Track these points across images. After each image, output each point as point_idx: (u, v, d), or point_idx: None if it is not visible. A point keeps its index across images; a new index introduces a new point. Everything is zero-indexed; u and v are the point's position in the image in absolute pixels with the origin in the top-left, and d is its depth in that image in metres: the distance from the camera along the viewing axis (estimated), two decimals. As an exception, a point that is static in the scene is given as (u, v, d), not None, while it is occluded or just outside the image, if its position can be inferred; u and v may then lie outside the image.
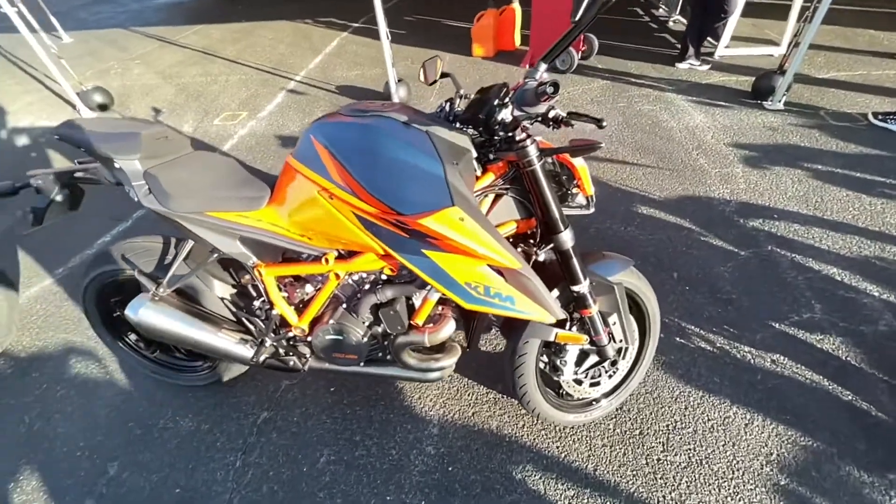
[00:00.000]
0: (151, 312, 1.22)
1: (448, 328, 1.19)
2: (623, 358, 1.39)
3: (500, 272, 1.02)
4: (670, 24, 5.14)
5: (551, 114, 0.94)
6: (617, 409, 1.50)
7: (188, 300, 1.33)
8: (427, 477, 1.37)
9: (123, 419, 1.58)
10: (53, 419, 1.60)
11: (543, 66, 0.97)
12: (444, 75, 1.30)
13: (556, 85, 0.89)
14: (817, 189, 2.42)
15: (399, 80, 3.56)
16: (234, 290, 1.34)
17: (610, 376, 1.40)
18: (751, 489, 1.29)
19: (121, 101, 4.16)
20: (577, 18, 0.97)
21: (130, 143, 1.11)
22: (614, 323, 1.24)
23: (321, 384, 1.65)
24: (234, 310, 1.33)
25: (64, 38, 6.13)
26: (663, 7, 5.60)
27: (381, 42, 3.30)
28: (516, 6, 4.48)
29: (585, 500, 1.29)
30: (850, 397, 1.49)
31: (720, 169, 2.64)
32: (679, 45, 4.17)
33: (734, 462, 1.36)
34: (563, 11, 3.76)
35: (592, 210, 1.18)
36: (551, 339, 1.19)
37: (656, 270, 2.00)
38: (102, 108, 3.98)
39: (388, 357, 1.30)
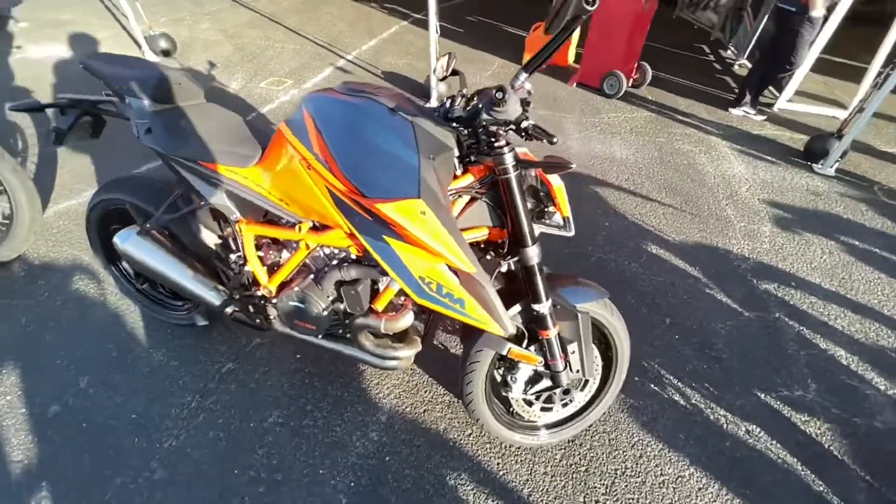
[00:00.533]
0: (136, 244, 1.29)
1: (406, 319, 1.20)
2: (581, 390, 1.35)
3: (456, 273, 1.01)
4: (735, 67, 4.93)
5: (523, 124, 0.92)
6: (568, 442, 1.46)
7: (174, 241, 1.39)
8: (363, 461, 1.38)
9: (105, 340, 1.68)
10: (46, 326, 1.72)
11: (524, 76, 0.96)
12: (454, 73, 1.28)
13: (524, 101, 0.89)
14: (847, 265, 2.26)
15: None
16: (218, 241, 1.40)
17: (564, 405, 1.36)
18: (685, 554, 1.23)
19: (183, 50, 4.39)
20: (555, 31, 0.95)
21: (143, 83, 1.17)
22: (573, 352, 1.20)
23: (289, 349, 1.69)
24: (213, 259, 1.39)
25: (150, -16, 6.52)
26: (732, 49, 5.38)
27: (430, 35, 3.33)
28: (578, 23, 4.42)
29: (510, 523, 1.26)
30: (822, 488, 1.39)
31: (747, 224, 2.51)
32: (738, 91, 4.00)
33: (675, 523, 1.30)
34: (619, 34, 3.67)
35: (571, 233, 1.15)
36: (503, 352, 1.17)
37: (650, 312, 1.93)
38: (165, 53, 4.20)
39: (347, 336, 1.32)
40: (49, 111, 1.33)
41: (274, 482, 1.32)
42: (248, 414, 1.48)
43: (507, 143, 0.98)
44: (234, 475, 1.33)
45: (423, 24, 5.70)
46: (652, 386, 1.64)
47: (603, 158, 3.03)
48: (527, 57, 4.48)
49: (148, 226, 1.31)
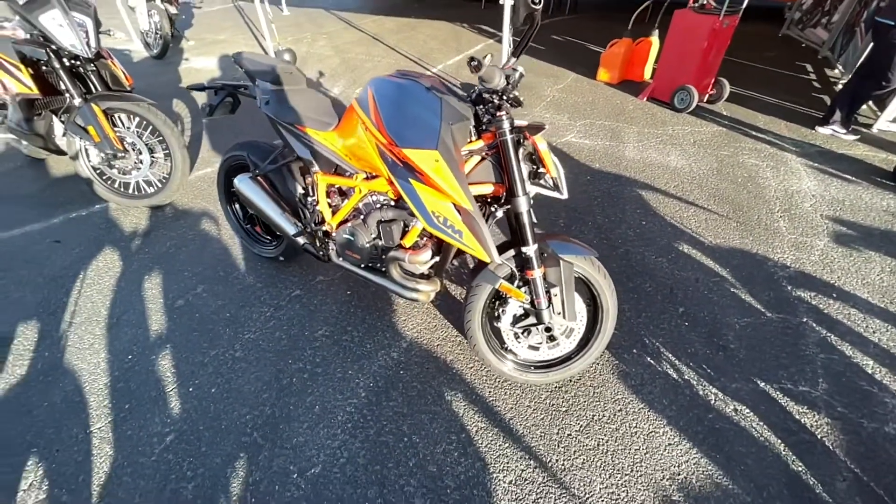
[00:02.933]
0: (246, 185, 1.82)
1: (425, 255, 1.54)
2: (567, 337, 1.56)
3: (460, 212, 1.33)
4: (839, 86, 4.54)
5: (505, 94, 1.21)
6: (555, 386, 1.67)
7: (273, 187, 1.90)
8: (383, 370, 1.73)
9: (216, 263, 2.26)
10: (181, 249, 2.36)
11: (513, 59, 1.26)
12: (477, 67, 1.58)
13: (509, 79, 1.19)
14: (911, 286, 2.11)
15: (511, 86, 3.91)
16: (301, 188, 1.88)
17: (551, 347, 1.58)
18: (639, 490, 1.37)
19: (301, 62, 5.30)
20: (517, 25, 1.23)
21: (267, 71, 1.69)
22: (556, 294, 1.44)
23: (342, 286, 2.12)
24: (297, 201, 1.87)
25: (284, 10, 7.87)
26: (839, 68, 4.94)
27: (503, 48, 3.68)
28: (654, 39, 4.48)
29: (489, 437, 1.51)
30: (800, 469, 1.42)
31: (799, 236, 2.44)
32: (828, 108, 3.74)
33: (638, 464, 1.44)
34: (694, 49, 3.70)
35: (564, 195, 1.39)
36: (496, 286, 1.45)
37: (664, 300, 2.03)
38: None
39: (383, 270, 1.70)
40: (204, 93, 1.93)
41: (314, 373, 1.73)
42: (304, 325, 1.93)
43: (507, 114, 1.28)
44: (288, 363, 1.77)
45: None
46: (648, 358, 1.77)
47: (656, 166, 3.11)
48: (601, 72, 4.63)
49: (257, 172, 1.83)
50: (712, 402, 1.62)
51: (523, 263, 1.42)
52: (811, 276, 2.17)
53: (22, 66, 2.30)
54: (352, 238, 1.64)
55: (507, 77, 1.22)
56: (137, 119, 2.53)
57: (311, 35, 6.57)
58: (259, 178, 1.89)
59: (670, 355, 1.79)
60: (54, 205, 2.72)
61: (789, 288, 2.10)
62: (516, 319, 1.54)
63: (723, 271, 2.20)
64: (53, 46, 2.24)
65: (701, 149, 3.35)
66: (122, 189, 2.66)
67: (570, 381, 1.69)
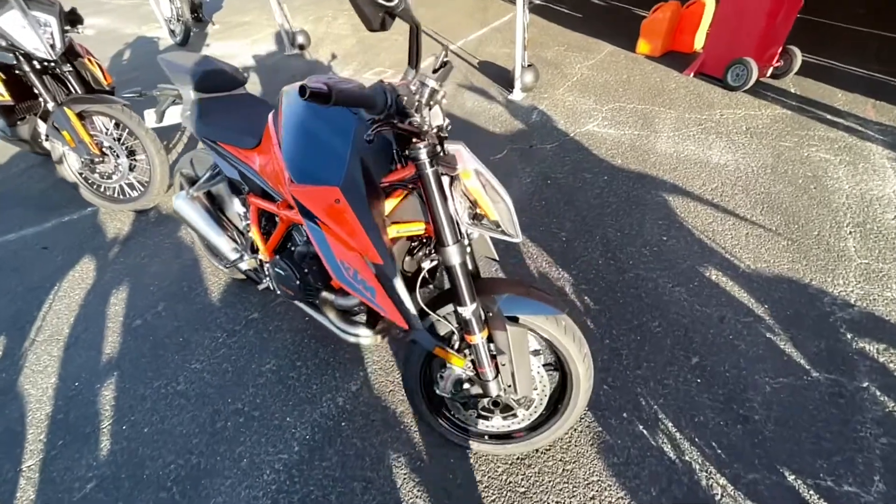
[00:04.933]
0: (182, 204, 1.64)
1: (351, 299, 1.28)
2: (526, 408, 1.27)
3: (373, 265, 1.05)
4: (958, 50, 3.59)
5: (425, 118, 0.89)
6: (517, 456, 1.38)
7: (217, 205, 1.71)
8: (324, 420, 1.53)
9: (183, 277, 2.15)
10: (154, 260, 2.27)
11: (412, 73, 0.93)
12: (443, 65, 1.26)
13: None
14: None
15: (529, 65, 3.45)
16: (241, 211, 1.67)
17: (505, 417, 1.29)
18: None
19: (316, 44, 5.06)
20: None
21: (190, 76, 1.46)
22: (503, 364, 1.14)
23: (301, 312, 1.92)
24: (236, 223, 1.67)
25: (309, -14, 7.60)
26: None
27: (517, 26, 3.21)
28: (709, 0, 3.74)
29: (427, 516, 1.28)
30: None
31: (871, 262, 1.90)
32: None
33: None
34: (755, 13, 3.01)
35: (516, 239, 1.07)
36: (430, 349, 1.17)
37: (674, 345, 1.65)
38: (301, 47, 4.92)
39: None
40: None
41: (251, 417, 1.56)
42: (253, 357, 1.76)
43: (427, 142, 0.96)
44: (227, 403, 1.61)
45: (541, 11, 5.50)
46: (640, 427, 1.43)
47: (692, 162, 2.59)
48: (641, 43, 3.99)
49: (191, 191, 1.65)
50: (718, 497, 1.26)
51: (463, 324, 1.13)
52: (883, 320, 1.67)
53: (-7, 72, 2.25)
54: (282, 273, 1.42)
55: (420, 94, 0.89)
56: (114, 121, 2.43)
57: (333, 13, 6.27)
58: (201, 196, 1.70)
59: (670, 424, 1.43)
60: (50, 207, 2.74)
61: (849, 336, 1.63)
62: (459, 387, 1.26)
63: (759, 308, 1.75)
64: (21, 50, 2.15)
65: (754, 139, 2.75)
66: (105, 193, 2.61)
67: (538, 450, 1.40)
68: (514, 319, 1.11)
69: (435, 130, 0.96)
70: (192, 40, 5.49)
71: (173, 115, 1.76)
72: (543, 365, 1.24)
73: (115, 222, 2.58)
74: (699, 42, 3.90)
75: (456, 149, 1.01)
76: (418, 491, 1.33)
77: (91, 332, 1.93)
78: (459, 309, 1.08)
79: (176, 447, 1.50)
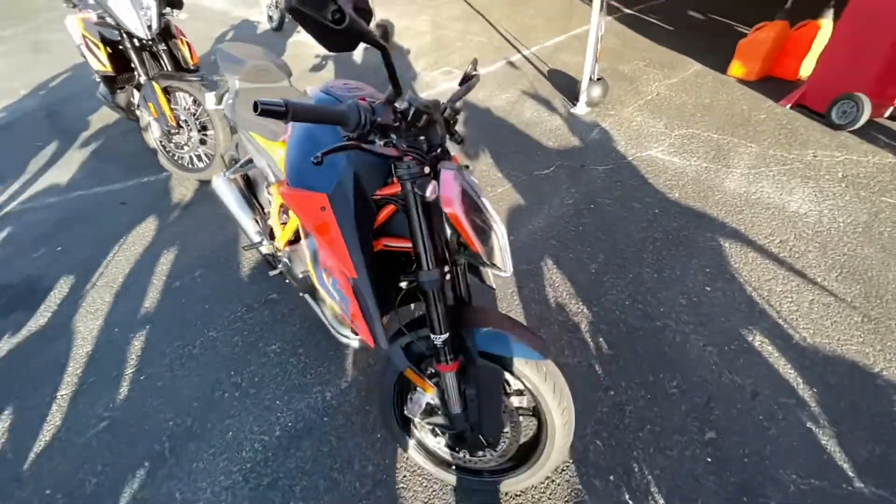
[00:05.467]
0: (219, 184, 1.75)
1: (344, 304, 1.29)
2: (494, 448, 1.19)
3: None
4: None
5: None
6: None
7: (249, 188, 1.81)
8: (308, 411, 1.57)
9: (223, 248, 2.32)
10: (203, 228, 2.48)
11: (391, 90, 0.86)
12: (468, 77, 1.19)
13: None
14: None
15: (599, 79, 3.25)
16: (268, 198, 1.75)
17: (471, 454, 1.23)
18: None
19: (396, 37, 5.19)
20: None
21: (237, 67, 1.55)
22: (472, 400, 1.08)
23: (315, 300, 1.99)
24: (264, 208, 1.75)
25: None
26: None
27: (589, 37, 3.03)
28: (825, 22, 3.25)
29: (379, 533, 1.26)
30: None
31: (975, 362, 1.54)
32: None
33: None
34: (879, 42, 2.57)
35: (505, 272, 1.01)
36: (401, 368, 1.14)
37: (688, 413, 1.46)
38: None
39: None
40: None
41: (246, 393, 1.65)
42: (262, 335, 1.85)
43: (414, 158, 0.93)
44: (230, 374, 1.72)
45: (629, 21, 5.17)
46: (625, 496, 1.29)
47: (764, 206, 2.28)
48: (735, 65, 3.58)
49: (228, 173, 1.76)
50: None
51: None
52: (971, 437, 1.35)
53: (101, 46, 2.57)
54: (289, 263, 1.47)
55: (406, 107, 0.85)
56: (192, 98, 2.68)
57: (419, 7, 6.40)
58: (238, 178, 1.81)
59: (662, 502, 1.27)
60: (136, 168, 3.10)
61: (917, 448, 1.34)
62: (428, 412, 1.22)
63: (806, 391, 1.50)
64: (124, 28, 2.44)
65: (850, 189, 2.36)
66: (178, 161, 2.89)
67: (507, 493, 1.32)
68: (492, 356, 1.05)
69: (427, 150, 0.92)
70: (285, 27, 5.89)
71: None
72: (518, 408, 1.16)
73: (181, 188, 2.85)
74: (805, 69, 3.41)
75: (446, 173, 0.96)
76: (378, 500, 1.32)
77: (138, 285, 2.16)
78: (432, 336, 1.04)
79: (177, 406, 1.62)
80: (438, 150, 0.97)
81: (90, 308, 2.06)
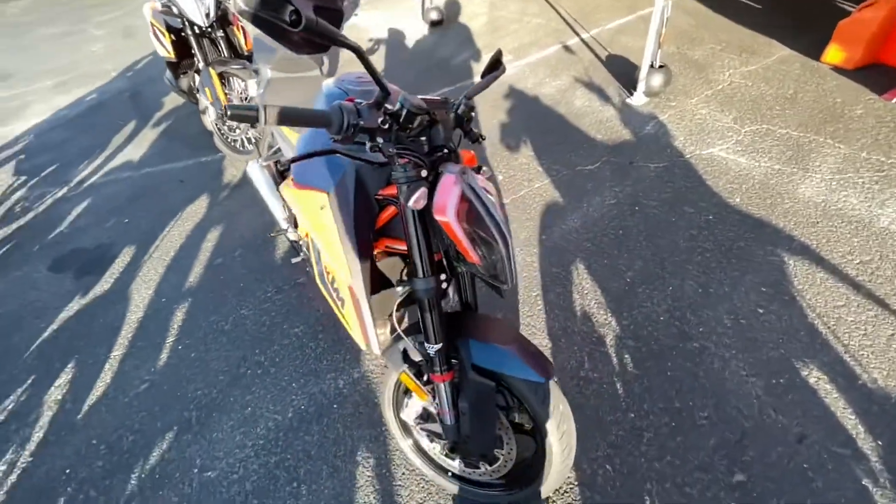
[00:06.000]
0: (253, 169, 1.81)
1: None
2: (490, 464, 1.15)
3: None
4: None
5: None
6: (479, 507, 1.28)
7: (282, 176, 1.86)
8: (321, 396, 1.62)
9: (263, 230, 2.43)
10: (247, 209, 2.61)
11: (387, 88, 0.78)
12: (493, 67, 1.09)
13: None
14: None
15: (661, 66, 2.95)
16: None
17: (467, 465, 1.19)
18: None
19: (448, 20, 5.08)
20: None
21: (270, 55, 1.58)
22: (464, 413, 1.04)
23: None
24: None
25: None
26: None
27: (652, 19, 2.75)
28: (958, -1, 2.69)
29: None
30: None
31: None
32: None
33: None
34: None
35: (504, 285, 0.94)
36: (397, 371, 1.12)
37: (717, 452, 1.32)
38: (434, 24, 4.99)
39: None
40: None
41: (268, 372, 1.73)
42: (288, 317, 1.93)
43: (410, 161, 0.88)
44: (255, 353, 1.81)
45: (709, 1, 4.64)
46: (630, 532, 1.20)
47: (845, 219, 1.97)
48: (831, 50, 3.09)
49: (261, 160, 1.81)
50: None
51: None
52: None
53: (165, 33, 2.74)
54: (306, 253, 1.50)
55: (397, 108, 0.80)
56: (244, 83, 2.80)
57: (477, -12, 6.20)
58: (271, 165, 1.87)
59: (671, 543, 1.17)
60: (197, 148, 3.32)
61: None
62: (422, 417, 1.19)
63: (866, 442, 1.29)
64: (186, 16, 2.58)
65: (964, 205, 1.96)
66: (231, 143, 3.06)
67: (503, 507, 1.28)
68: (487, 371, 1.00)
69: (430, 151, 0.88)
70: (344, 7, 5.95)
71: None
72: (515, 424, 1.10)
73: (232, 169, 3.02)
74: (925, 55, 2.86)
75: (447, 177, 0.90)
76: (374, 496, 1.33)
77: (186, 259, 2.33)
78: (426, 344, 1.00)
79: (206, 378, 1.74)
80: (445, 151, 0.91)
81: (145, 278, 2.26)
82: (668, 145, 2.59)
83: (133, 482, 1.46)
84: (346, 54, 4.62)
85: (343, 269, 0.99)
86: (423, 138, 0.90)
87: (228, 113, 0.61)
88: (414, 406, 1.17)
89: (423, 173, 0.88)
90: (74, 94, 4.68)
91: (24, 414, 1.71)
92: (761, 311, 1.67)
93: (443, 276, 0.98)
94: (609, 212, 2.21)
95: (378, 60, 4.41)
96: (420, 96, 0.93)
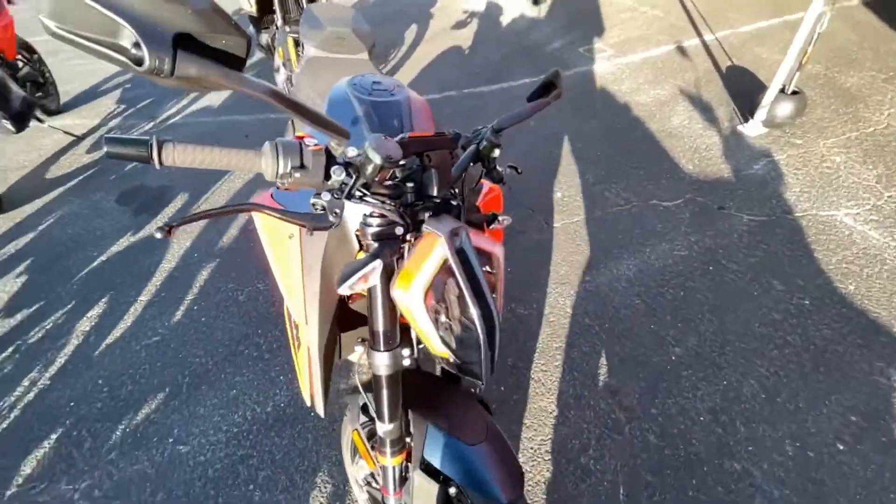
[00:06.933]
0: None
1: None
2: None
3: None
4: None
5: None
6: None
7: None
8: (302, 400, 1.56)
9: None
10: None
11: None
12: (545, 88, 0.86)
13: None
14: None
15: (794, 92, 2.39)
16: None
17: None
18: None
19: (554, 4, 4.60)
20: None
21: (316, 31, 1.43)
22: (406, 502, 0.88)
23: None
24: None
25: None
26: None
27: (804, 18, 2.19)
28: None
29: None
30: None
31: None
32: None
33: None
34: None
35: (480, 384, 0.75)
36: (351, 428, 0.99)
37: None
38: (536, 2, 4.56)
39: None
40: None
41: (262, 357, 1.70)
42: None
43: (366, 201, 0.67)
44: (258, 333, 1.79)
45: (886, 7, 3.69)
46: None
47: None
48: None
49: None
50: None
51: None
52: None
53: (250, -14, 2.72)
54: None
55: (356, 155, 0.61)
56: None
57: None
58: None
59: None
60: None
61: None
62: (371, 481, 1.05)
63: None
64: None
65: None
66: (296, 106, 3.04)
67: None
68: (436, 472, 0.83)
69: (414, 203, 0.69)
70: None
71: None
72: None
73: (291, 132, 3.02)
74: None
75: (427, 237, 0.70)
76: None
77: (226, 219, 2.37)
78: (377, 422, 0.85)
79: (208, 347, 1.76)
80: (437, 203, 0.73)
81: (187, 229, 2.34)
82: (775, 194, 2.10)
83: (118, 434, 1.52)
84: (411, 26, 4.40)
85: (300, 313, 0.85)
86: (410, 184, 0.71)
87: (105, 148, 0.47)
88: (362, 468, 1.04)
89: (399, 231, 0.70)
90: (184, 32, 4.99)
91: (56, 337, 1.86)
92: (841, 447, 1.29)
93: (406, 353, 0.81)
94: (675, 265, 1.85)
95: (466, 36, 4.13)
96: (418, 133, 0.74)
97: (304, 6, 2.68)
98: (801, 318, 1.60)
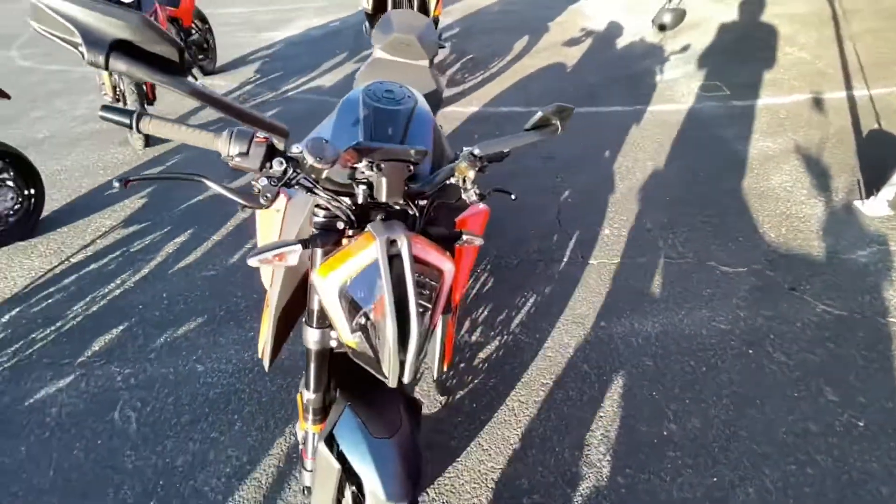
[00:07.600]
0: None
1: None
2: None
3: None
4: None
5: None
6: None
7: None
8: (279, 390, 1.73)
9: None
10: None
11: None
12: (544, 123, 0.88)
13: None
14: None
15: None
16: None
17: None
18: None
19: (681, 28, 4.26)
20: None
21: (385, 35, 1.57)
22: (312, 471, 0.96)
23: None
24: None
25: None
26: None
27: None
28: None
29: None
30: None
31: None
32: None
33: None
34: None
35: (388, 382, 0.80)
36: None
37: None
38: (661, 28, 4.25)
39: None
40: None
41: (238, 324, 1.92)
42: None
43: (313, 192, 0.75)
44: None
45: None
46: None
47: None
48: None
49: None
50: None
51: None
52: None
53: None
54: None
55: (298, 153, 0.69)
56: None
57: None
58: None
59: None
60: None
61: None
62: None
63: None
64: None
65: None
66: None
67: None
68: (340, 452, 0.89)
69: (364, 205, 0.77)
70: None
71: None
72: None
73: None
74: None
75: (364, 235, 0.76)
76: (273, 470, 1.40)
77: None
78: (304, 389, 0.95)
79: (246, 291, 2.02)
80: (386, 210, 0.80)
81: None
82: (873, 290, 1.75)
83: (161, 340, 1.84)
84: (523, 37, 4.35)
85: (268, 276, 0.98)
86: (363, 187, 0.79)
87: (99, 114, 0.62)
88: (300, 428, 1.15)
89: (340, 225, 0.78)
90: (326, 18, 5.63)
91: (149, 251, 2.29)
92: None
93: (334, 335, 0.89)
94: (708, 337, 1.65)
95: (574, 54, 4.04)
96: (380, 143, 0.80)
97: (415, 7, 2.88)
98: (846, 441, 1.33)
